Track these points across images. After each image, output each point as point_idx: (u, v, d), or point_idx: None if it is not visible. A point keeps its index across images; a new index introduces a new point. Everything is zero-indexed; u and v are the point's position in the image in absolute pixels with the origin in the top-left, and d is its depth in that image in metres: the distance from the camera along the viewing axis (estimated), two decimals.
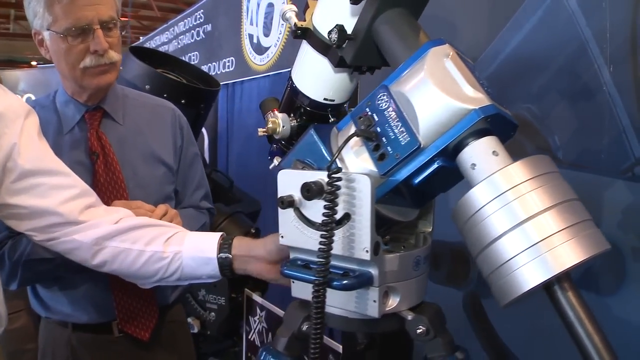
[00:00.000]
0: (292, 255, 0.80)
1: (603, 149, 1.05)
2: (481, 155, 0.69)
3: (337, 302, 0.76)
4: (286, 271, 0.77)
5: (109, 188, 1.31)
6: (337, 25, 0.82)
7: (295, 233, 0.76)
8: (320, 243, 0.69)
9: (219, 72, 2.55)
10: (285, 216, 0.77)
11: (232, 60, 2.48)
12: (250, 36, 2.33)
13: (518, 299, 0.64)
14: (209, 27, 2.71)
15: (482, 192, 0.65)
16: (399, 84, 0.73)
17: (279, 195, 0.76)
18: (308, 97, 0.97)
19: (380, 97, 0.74)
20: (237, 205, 1.83)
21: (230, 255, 0.99)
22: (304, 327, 0.80)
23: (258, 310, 1.74)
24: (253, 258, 0.99)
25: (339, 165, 0.74)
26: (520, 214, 0.63)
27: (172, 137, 1.43)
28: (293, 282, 0.81)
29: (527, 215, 0.63)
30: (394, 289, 0.76)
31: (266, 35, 2.21)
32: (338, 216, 0.70)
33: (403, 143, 0.70)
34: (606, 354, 0.60)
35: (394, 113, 0.72)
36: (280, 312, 1.62)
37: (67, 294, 1.32)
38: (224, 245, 1.01)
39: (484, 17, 1.26)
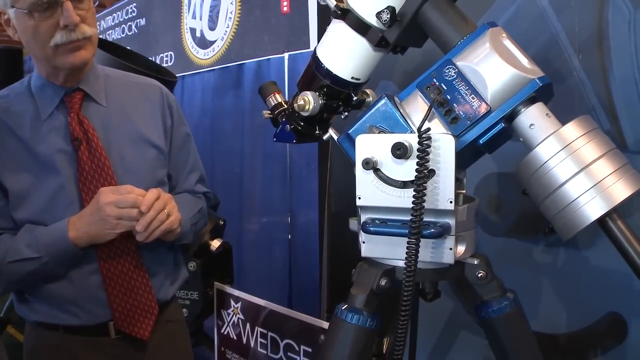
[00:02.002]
0: (364, 217, 0.90)
1: None
2: (538, 117, 0.85)
3: None
4: (373, 229, 0.87)
5: (95, 176, 1.26)
6: (388, 6, 0.94)
7: (374, 193, 0.87)
8: (414, 197, 0.81)
9: None
10: (364, 178, 0.87)
11: (170, 54, 2.48)
12: (193, 30, 2.36)
13: (583, 231, 0.81)
14: (142, 22, 2.68)
15: (546, 149, 0.82)
16: (463, 58, 0.87)
17: (360, 159, 0.86)
18: (335, 75, 1.06)
19: (447, 69, 0.87)
20: None
21: None
22: (382, 282, 0.90)
23: (232, 303, 1.78)
24: None
25: (412, 128, 0.87)
26: (579, 164, 0.80)
27: (161, 117, 1.39)
28: (363, 242, 0.92)
29: (584, 164, 0.80)
30: (462, 238, 0.89)
31: (211, 29, 2.26)
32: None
33: (475, 107, 0.85)
34: None
35: (463, 82, 0.86)
36: (259, 300, 1.68)
37: (57, 294, 1.25)
38: None
39: None
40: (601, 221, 0.81)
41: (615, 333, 1.23)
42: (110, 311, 1.26)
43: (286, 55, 2.01)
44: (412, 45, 1.05)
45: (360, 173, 0.87)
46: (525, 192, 0.90)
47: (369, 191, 0.87)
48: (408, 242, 0.81)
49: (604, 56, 1.23)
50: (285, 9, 2.00)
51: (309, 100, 1.09)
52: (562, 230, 0.83)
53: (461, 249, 0.89)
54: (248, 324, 1.76)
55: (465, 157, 0.89)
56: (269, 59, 2.07)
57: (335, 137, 0.99)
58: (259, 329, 1.74)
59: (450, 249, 0.86)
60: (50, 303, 1.26)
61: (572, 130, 0.82)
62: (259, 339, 1.74)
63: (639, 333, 1.20)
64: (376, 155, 0.86)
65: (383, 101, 0.89)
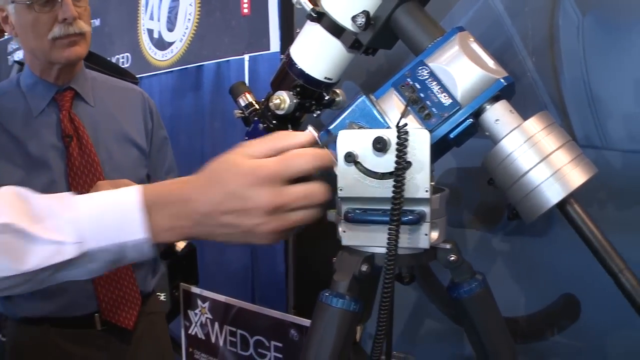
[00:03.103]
0: (345, 207, 0.98)
1: None
2: (502, 113, 0.95)
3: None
4: (355, 217, 0.95)
5: (84, 172, 1.34)
6: (364, 11, 1.03)
7: (355, 184, 0.94)
8: (394, 187, 0.89)
9: None
10: (346, 171, 0.95)
11: (127, 56, 2.49)
12: (150, 31, 2.38)
13: (544, 214, 0.91)
14: (97, 22, 2.67)
15: (510, 141, 0.92)
16: (434, 59, 0.96)
17: (342, 153, 0.94)
18: (309, 75, 1.14)
19: (420, 69, 0.97)
20: None
21: None
22: (364, 268, 0.98)
23: (199, 302, 1.82)
24: None
25: (389, 124, 0.96)
26: (540, 154, 0.91)
27: (143, 120, 1.49)
28: (344, 232, 1.00)
29: (545, 154, 0.91)
30: (435, 225, 0.98)
31: (170, 30, 2.29)
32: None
33: (446, 105, 0.94)
34: (607, 245, 0.90)
35: (434, 82, 0.95)
36: (228, 299, 1.73)
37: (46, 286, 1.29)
38: None
39: None
40: (560, 205, 0.92)
41: (570, 313, 1.36)
42: (97, 302, 1.34)
43: (246, 56, 2.08)
44: (383, 47, 1.14)
45: (342, 166, 0.95)
46: (491, 182, 1.01)
47: (350, 183, 0.95)
48: (389, 229, 0.90)
49: (555, 58, 1.36)
50: (245, 10, 2.07)
51: (284, 99, 1.16)
52: (526, 214, 0.94)
53: (435, 234, 0.99)
54: (217, 323, 1.81)
55: (436, 150, 0.99)
56: (228, 60, 2.12)
57: (315, 135, 1.07)
58: (228, 328, 1.79)
59: (426, 234, 0.95)
60: (38, 296, 1.30)
61: (534, 124, 0.93)
62: (229, 338, 1.79)
63: (591, 311, 1.33)
64: (357, 149, 0.94)
65: (361, 99, 0.98)
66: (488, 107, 0.96)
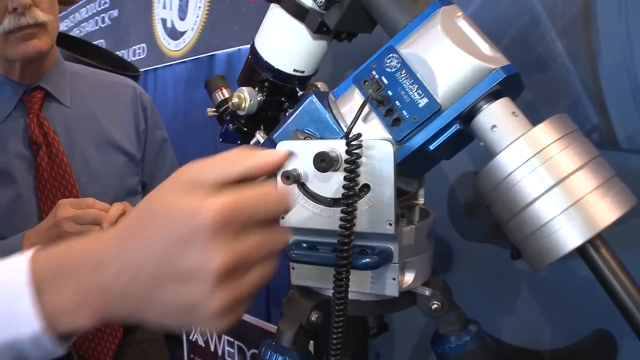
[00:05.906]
0: (292, 239, 0.71)
1: None
2: (502, 116, 0.64)
3: (350, 285, 0.68)
4: (299, 256, 0.67)
5: (54, 184, 1.11)
6: None
7: (300, 211, 0.67)
8: (342, 219, 0.60)
9: (130, 60, 2.34)
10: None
11: (143, 47, 2.27)
12: (164, 21, 2.15)
13: (557, 261, 0.60)
14: (115, 13, 2.46)
15: (511, 156, 0.61)
16: (409, 44, 0.66)
17: (280, 172, 0.66)
18: (275, 69, 0.88)
19: (388, 58, 0.66)
20: None
21: None
22: (313, 317, 0.70)
23: None
24: None
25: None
26: (553, 177, 0.59)
27: (134, 120, 1.23)
28: (293, 268, 0.72)
29: (560, 177, 0.59)
30: (410, 265, 0.69)
31: (182, 19, 2.05)
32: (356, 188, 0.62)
33: (421, 106, 0.64)
34: None
35: (407, 75, 0.65)
36: None
37: None
38: None
39: None
40: (581, 249, 0.60)
41: (605, 352, 1.03)
42: None
43: None
44: (359, 31, 0.84)
45: (282, 188, 0.67)
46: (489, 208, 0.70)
47: (294, 210, 0.67)
48: (336, 274, 0.61)
49: (592, 40, 1.01)
50: None
51: (245, 98, 0.91)
52: (531, 259, 0.63)
53: (409, 277, 0.69)
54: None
55: (414, 166, 0.69)
56: (239, 49, 1.86)
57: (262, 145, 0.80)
58: (226, 337, 1.56)
59: (394, 279, 0.66)
60: None
61: (545, 132, 0.61)
62: (227, 348, 1.57)
63: (630, 353, 1.00)
64: (300, 166, 0.65)
65: (309, 99, 0.69)
66: (484, 107, 0.65)
